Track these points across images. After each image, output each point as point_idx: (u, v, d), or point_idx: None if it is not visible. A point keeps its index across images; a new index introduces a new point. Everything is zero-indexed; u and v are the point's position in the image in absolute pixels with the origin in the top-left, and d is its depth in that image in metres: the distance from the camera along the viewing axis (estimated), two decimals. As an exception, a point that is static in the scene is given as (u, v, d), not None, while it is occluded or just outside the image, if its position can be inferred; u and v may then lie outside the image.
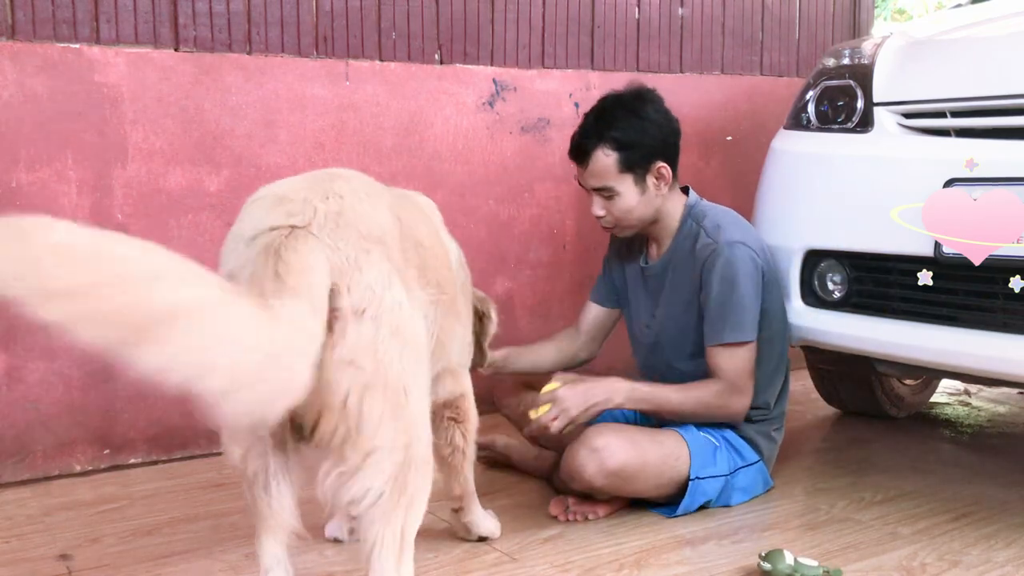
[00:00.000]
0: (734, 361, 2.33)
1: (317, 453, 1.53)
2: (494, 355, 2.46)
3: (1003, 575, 2.04)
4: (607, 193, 2.38)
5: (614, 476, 2.23)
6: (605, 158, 2.35)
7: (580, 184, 2.47)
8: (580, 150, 2.40)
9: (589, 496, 2.33)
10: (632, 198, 2.38)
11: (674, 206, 2.47)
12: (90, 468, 2.75)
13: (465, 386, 2.07)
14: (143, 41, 2.71)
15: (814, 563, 1.97)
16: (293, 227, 1.46)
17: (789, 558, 1.96)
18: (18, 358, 2.63)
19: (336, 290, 1.44)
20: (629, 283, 2.61)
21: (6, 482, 2.63)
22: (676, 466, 2.29)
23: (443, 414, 2.03)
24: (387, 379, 1.48)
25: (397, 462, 1.52)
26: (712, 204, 2.51)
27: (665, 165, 2.40)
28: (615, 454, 2.20)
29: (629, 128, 2.35)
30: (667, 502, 2.35)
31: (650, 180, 2.39)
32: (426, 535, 2.26)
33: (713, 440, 2.36)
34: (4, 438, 2.64)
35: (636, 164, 2.36)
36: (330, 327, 1.42)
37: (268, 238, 1.46)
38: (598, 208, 2.42)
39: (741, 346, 2.33)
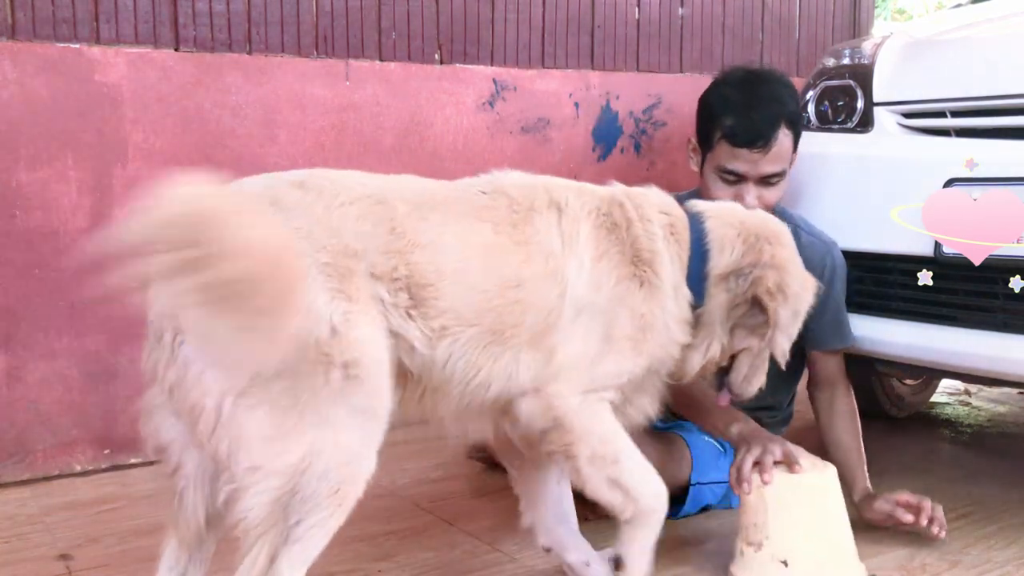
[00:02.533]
0: (842, 364, 2.34)
1: None
2: None
3: (1003, 575, 2.04)
4: (778, 178, 2.23)
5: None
6: (785, 139, 2.20)
7: (730, 173, 2.23)
8: (764, 134, 2.16)
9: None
10: (787, 182, 2.28)
11: None
12: (90, 468, 2.75)
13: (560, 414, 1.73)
14: (143, 41, 2.71)
15: None
16: None
17: None
18: (18, 358, 2.63)
19: None
20: None
21: (6, 482, 2.63)
22: (677, 470, 2.27)
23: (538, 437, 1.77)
24: (266, 392, 1.40)
25: (287, 489, 1.43)
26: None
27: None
28: None
29: (795, 102, 2.22)
30: (671, 507, 2.35)
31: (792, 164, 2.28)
32: (426, 535, 2.26)
33: (718, 446, 2.34)
34: (4, 438, 2.64)
35: (798, 140, 2.24)
36: None
37: None
38: (752, 199, 2.20)
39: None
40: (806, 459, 2.04)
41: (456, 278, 1.54)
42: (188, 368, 1.40)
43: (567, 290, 1.64)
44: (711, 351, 1.81)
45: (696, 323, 1.78)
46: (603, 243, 1.70)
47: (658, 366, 1.77)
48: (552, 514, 1.98)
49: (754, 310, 1.78)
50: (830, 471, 2.03)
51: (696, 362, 1.81)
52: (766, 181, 2.24)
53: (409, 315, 1.52)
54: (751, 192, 2.22)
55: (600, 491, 1.74)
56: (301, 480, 1.40)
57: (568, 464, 1.71)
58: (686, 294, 1.76)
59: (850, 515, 2.04)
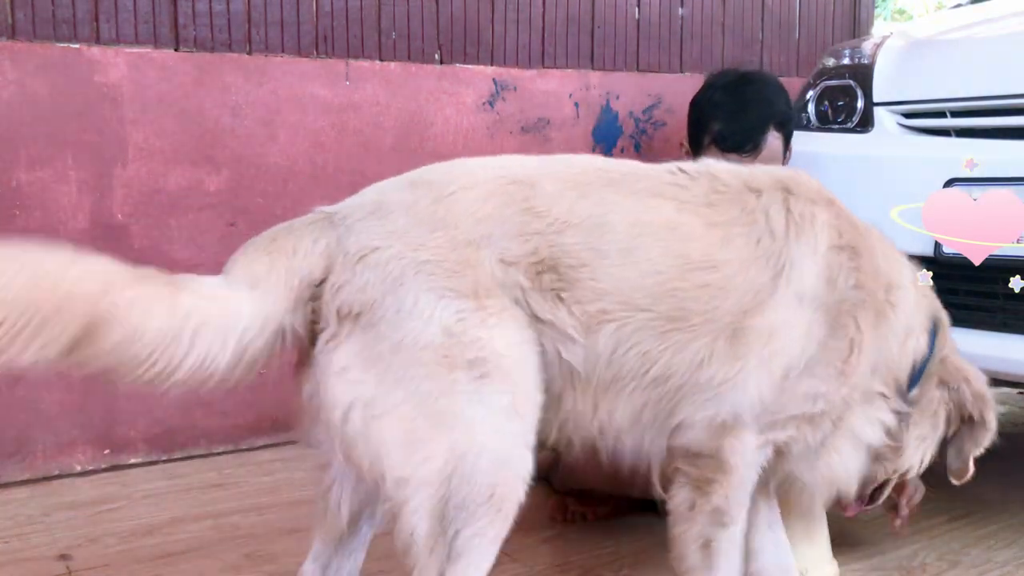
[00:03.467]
0: None
1: None
2: None
3: (1003, 575, 2.04)
4: None
5: (613, 476, 2.22)
6: (775, 141, 2.18)
7: None
8: (753, 139, 2.14)
9: (588, 496, 2.33)
10: None
11: None
12: (90, 468, 2.75)
13: (729, 446, 1.50)
14: (143, 41, 2.71)
15: None
16: (325, 214, 1.44)
17: None
18: (18, 358, 2.63)
19: (327, 285, 1.35)
20: None
21: (6, 482, 2.63)
22: None
23: (684, 472, 1.55)
24: (395, 398, 1.32)
25: (440, 498, 1.34)
26: None
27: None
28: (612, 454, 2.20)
29: (785, 104, 2.18)
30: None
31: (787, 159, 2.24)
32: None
33: None
34: (4, 438, 2.64)
35: (789, 140, 2.20)
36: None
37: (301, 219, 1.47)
38: None
39: None
40: None
41: (620, 258, 1.40)
42: (321, 378, 1.34)
43: (789, 273, 1.45)
44: (926, 448, 1.63)
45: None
46: (846, 234, 1.53)
47: (841, 417, 1.53)
48: (768, 540, 1.78)
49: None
50: None
51: (913, 457, 1.62)
52: None
53: (560, 298, 1.38)
54: None
55: (686, 545, 1.54)
56: (451, 486, 1.30)
57: (683, 497, 1.53)
58: (918, 348, 1.59)
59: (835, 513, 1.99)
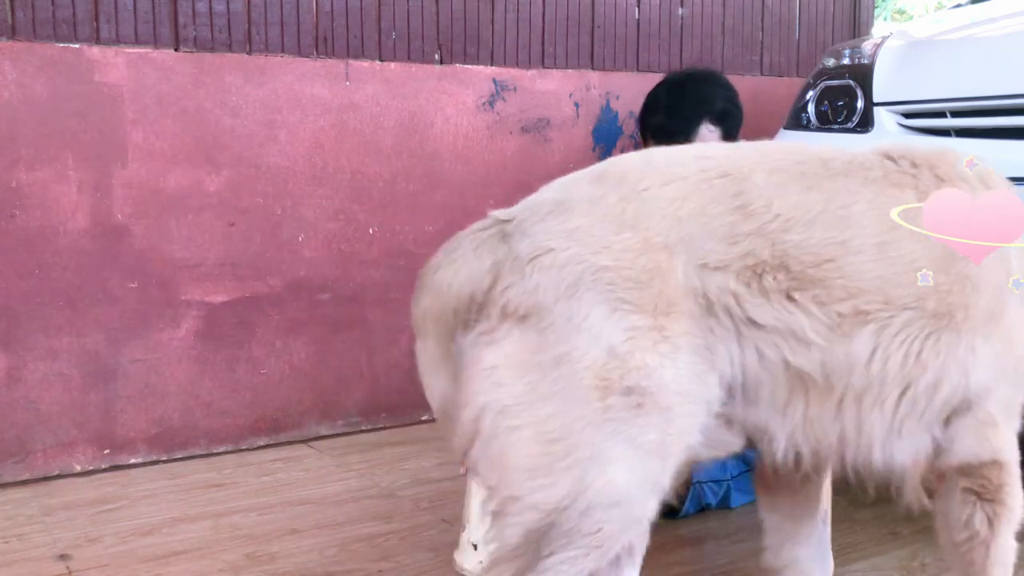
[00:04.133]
0: None
1: None
2: None
3: (1003, 575, 2.04)
4: None
5: None
6: (710, 134, 2.20)
7: None
8: (683, 131, 2.16)
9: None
10: None
11: None
12: (90, 468, 2.75)
13: (999, 451, 1.40)
14: (143, 41, 2.71)
15: None
16: (497, 221, 1.31)
17: None
18: (18, 358, 2.63)
19: (493, 290, 1.23)
20: None
21: (6, 482, 2.63)
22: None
23: (957, 481, 1.44)
24: (536, 415, 1.21)
25: (546, 526, 1.23)
26: None
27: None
28: None
29: (726, 99, 2.22)
30: (671, 509, 2.35)
31: None
32: (425, 534, 2.26)
33: None
34: (4, 438, 2.64)
35: (732, 140, 2.24)
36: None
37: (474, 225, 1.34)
38: None
39: None
40: None
41: (876, 253, 1.28)
42: (463, 371, 1.24)
43: (1010, 266, 1.37)
44: None
45: None
46: None
47: None
48: (815, 559, 1.70)
49: None
50: None
51: None
52: None
53: (791, 299, 1.24)
54: None
55: (985, 556, 1.40)
56: (561, 517, 1.20)
57: (973, 514, 1.40)
58: None
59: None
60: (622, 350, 1.18)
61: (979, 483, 1.40)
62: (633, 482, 1.20)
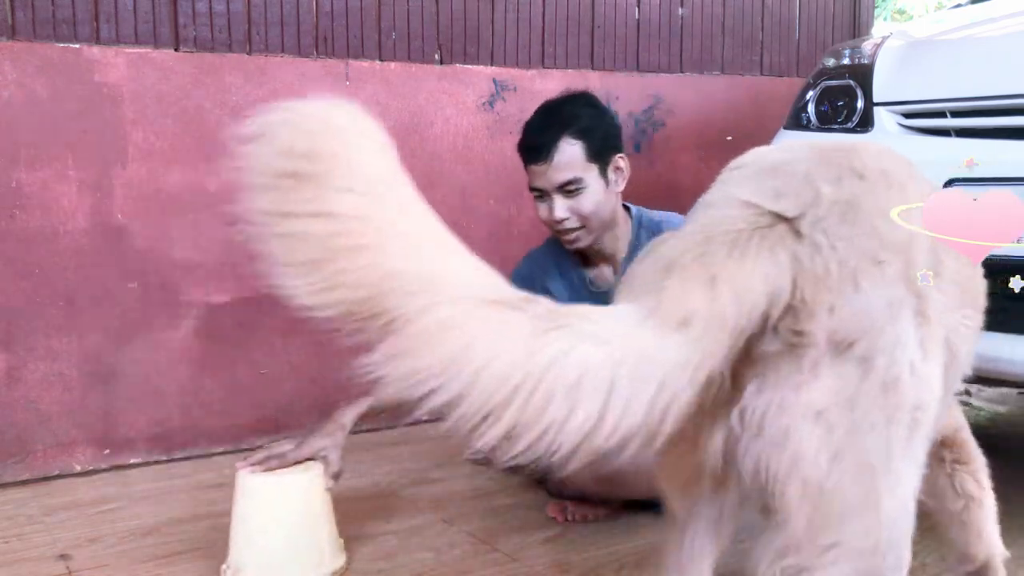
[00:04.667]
0: None
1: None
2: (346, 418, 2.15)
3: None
4: (574, 186, 2.28)
5: (607, 481, 2.22)
6: (570, 147, 2.27)
7: (535, 191, 2.34)
8: (540, 146, 2.28)
9: (584, 499, 2.33)
10: (599, 191, 2.30)
11: (623, 215, 2.44)
12: (90, 468, 2.75)
13: (959, 417, 1.59)
14: (143, 41, 2.71)
15: None
16: (774, 215, 1.09)
17: None
18: (18, 358, 2.63)
19: (806, 308, 1.05)
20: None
21: (6, 482, 2.63)
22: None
23: (942, 456, 1.57)
24: (861, 449, 1.06)
25: (860, 572, 1.10)
26: (658, 212, 2.48)
27: (624, 158, 2.37)
28: (608, 459, 2.19)
29: (588, 117, 2.31)
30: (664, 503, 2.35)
31: (611, 174, 2.34)
32: (425, 535, 2.26)
33: None
34: (4, 438, 2.64)
35: (600, 153, 2.30)
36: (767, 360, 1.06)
37: (721, 216, 1.11)
38: (561, 211, 2.27)
39: None
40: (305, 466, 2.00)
41: None
42: (781, 422, 1.06)
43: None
44: None
45: None
46: None
47: None
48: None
49: None
50: (268, 477, 1.98)
51: None
52: (565, 191, 2.29)
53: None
54: (556, 204, 2.28)
55: None
56: (872, 559, 1.09)
57: (960, 484, 1.56)
58: None
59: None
60: (918, 366, 1.09)
61: (955, 451, 1.53)
62: (913, 503, 1.13)
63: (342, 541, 2.08)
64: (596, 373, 0.93)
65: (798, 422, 1.05)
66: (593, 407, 0.94)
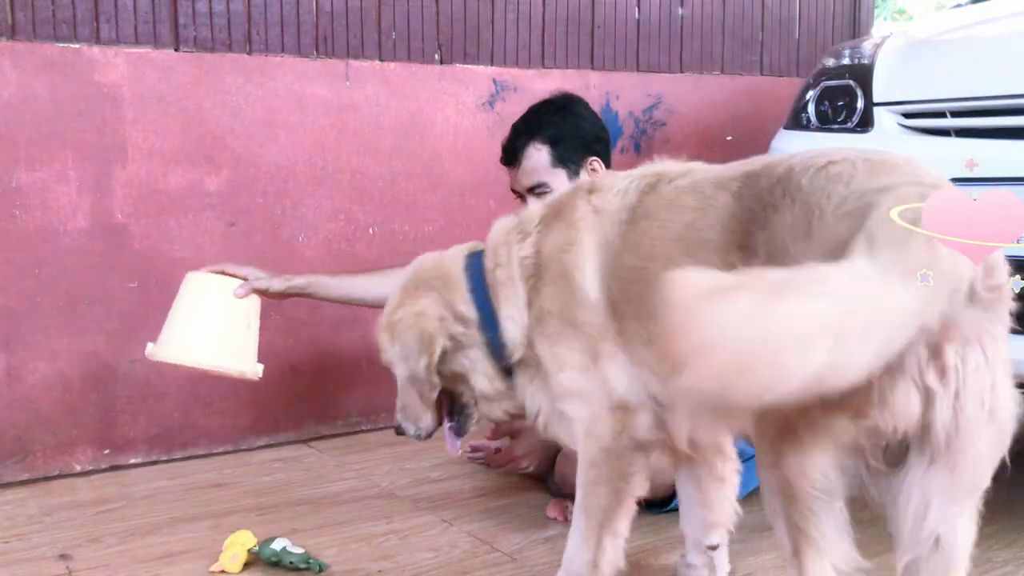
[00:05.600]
0: None
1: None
2: (295, 280, 2.41)
3: (1003, 575, 2.04)
4: (541, 190, 2.38)
5: None
6: (537, 153, 2.39)
7: (515, 193, 2.47)
8: (511, 151, 2.42)
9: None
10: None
11: None
12: (90, 468, 2.75)
13: None
14: (143, 41, 2.71)
15: (300, 551, 2.05)
16: None
17: (278, 545, 2.05)
18: (18, 358, 2.63)
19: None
20: None
21: (6, 482, 2.63)
22: (668, 469, 2.26)
23: None
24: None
25: None
26: None
27: (598, 160, 2.44)
28: None
29: (558, 123, 2.40)
30: (663, 503, 2.35)
31: (583, 176, 2.40)
32: (425, 535, 2.26)
33: None
34: (4, 438, 2.64)
35: (568, 158, 2.39)
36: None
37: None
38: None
39: None
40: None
41: None
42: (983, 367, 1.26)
43: None
44: None
45: None
46: None
47: None
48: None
49: None
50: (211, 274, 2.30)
51: None
52: (535, 193, 2.39)
53: None
54: (530, 205, 2.30)
55: None
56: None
57: None
58: None
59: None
60: None
61: None
62: None
63: (262, 366, 2.31)
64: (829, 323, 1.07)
65: (1001, 375, 1.25)
66: (827, 353, 1.06)
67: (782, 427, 1.34)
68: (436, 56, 3.16)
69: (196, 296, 2.26)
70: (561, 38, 3.40)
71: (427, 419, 1.89)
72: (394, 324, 1.84)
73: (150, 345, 2.23)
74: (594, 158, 2.43)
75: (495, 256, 1.83)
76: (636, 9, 3.56)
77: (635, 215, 1.65)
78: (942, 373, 1.23)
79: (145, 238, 2.75)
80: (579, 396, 1.71)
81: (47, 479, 2.68)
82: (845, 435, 1.30)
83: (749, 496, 2.43)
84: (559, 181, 2.37)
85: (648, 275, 1.57)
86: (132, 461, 2.81)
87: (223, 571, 2.03)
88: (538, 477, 2.58)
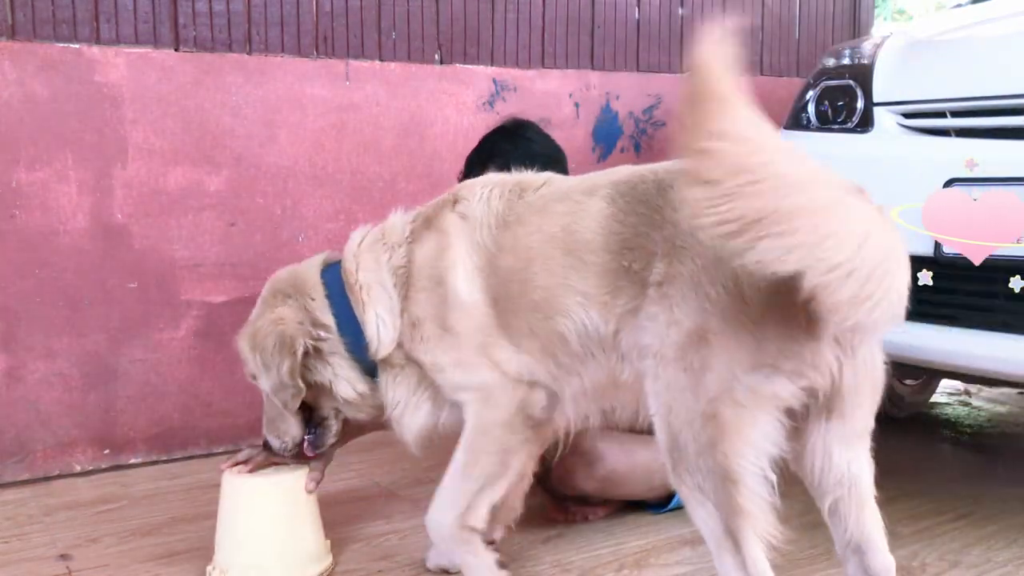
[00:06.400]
0: None
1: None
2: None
3: (1003, 575, 2.04)
4: None
5: (604, 480, 2.22)
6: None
7: None
8: (467, 177, 2.39)
9: (585, 499, 2.33)
10: None
11: None
12: (90, 468, 2.75)
13: None
14: (143, 41, 2.71)
15: None
16: None
17: None
18: (18, 358, 2.63)
19: None
20: None
21: (6, 482, 2.63)
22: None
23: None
24: None
25: None
26: None
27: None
28: (604, 459, 2.20)
29: (511, 149, 2.40)
30: (661, 503, 2.35)
31: None
32: (425, 535, 2.26)
33: None
34: (4, 438, 2.64)
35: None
36: None
37: None
38: None
39: None
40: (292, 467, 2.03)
41: None
42: None
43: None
44: None
45: None
46: None
47: None
48: None
49: None
50: (256, 479, 2.00)
51: None
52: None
53: None
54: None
55: None
56: None
57: None
58: None
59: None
60: None
61: None
62: None
63: (328, 543, 2.08)
64: None
65: (876, 345, 1.54)
66: None
67: (708, 416, 1.45)
68: (436, 56, 3.16)
69: (245, 508, 2.00)
70: (561, 38, 3.40)
71: (293, 430, 1.94)
72: (254, 333, 1.89)
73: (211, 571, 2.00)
74: None
75: (356, 262, 1.90)
76: (636, 9, 3.56)
77: (506, 221, 1.77)
78: (847, 344, 1.46)
79: (145, 238, 2.75)
80: (468, 388, 1.79)
81: (47, 479, 2.68)
82: (785, 396, 1.45)
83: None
84: None
85: (528, 274, 1.70)
86: (132, 461, 2.81)
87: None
88: (537, 479, 2.59)
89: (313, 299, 1.91)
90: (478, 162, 2.46)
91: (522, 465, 1.84)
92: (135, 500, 2.52)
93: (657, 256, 1.54)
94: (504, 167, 2.40)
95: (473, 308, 1.76)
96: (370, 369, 1.90)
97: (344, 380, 1.91)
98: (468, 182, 1.91)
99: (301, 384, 1.87)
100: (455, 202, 1.85)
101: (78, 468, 2.74)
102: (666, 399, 1.50)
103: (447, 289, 1.77)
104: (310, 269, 1.97)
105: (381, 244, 1.91)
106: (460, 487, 1.83)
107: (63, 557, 2.15)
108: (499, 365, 1.75)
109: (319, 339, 1.89)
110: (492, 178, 1.89)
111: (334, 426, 2.00)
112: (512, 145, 2.45)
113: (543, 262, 1.69)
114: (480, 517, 1.83)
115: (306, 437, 1.98)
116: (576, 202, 1.70)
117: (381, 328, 1.85)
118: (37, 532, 2.30)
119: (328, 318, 1.90)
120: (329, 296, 1.91)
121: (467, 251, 1.78)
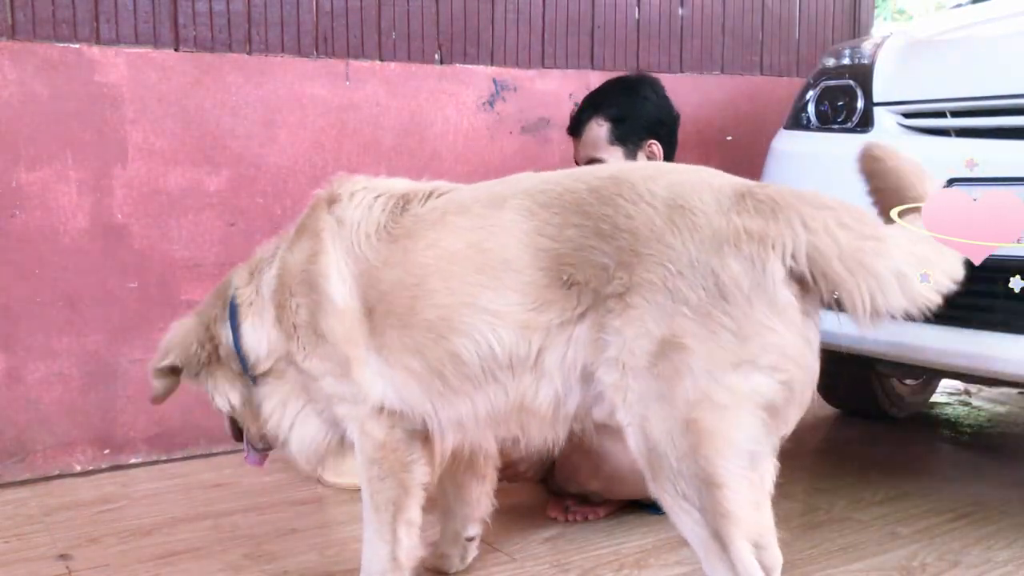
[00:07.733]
0: None
1: None
2: None
3: (1003, 575, 2.04)
4: (597, 164, 2.40)
5: (608, 479, 2.22)
6: (598, 128, 2.48)
7: (577, 164, 2.53)
8: (575, 122, 2.53)
9: (586, 498, 2.33)
10: None
11: None
12: (90, 468, 2.75)
13: None
14: (143, 41, 2.71)
15: None
16: None
17: None
18: (18, 358, 2.63)
19: None
20: None
21: (6, 482, 2.63)
22: None
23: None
24: None
25: None
26: None
27: (657, 144, 2.50)
28: (609, 457, 2.20)
29: (622, 102, 2.48)
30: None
31: (641, 157, 2.46)
32: (426, 534, 2.26)
33: None
34: (4, 438, 2.64)
35: (627, 137, 2.46)
36: None
37: None
38: None
39: None
40: None
41: None
42: None
43: None
44: None
45: None
46: None
47: None
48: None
49: None
50: None
51: None
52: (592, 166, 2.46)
53: None
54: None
55: None
56: None
57: None
58: None
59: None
60: None
61: None
62: None
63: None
64: None
65: None
66: None
67: (688, 422, 1.42)
68: (436, 56, 3.16)
69: None
70: (561, 38, 3.40)
71: (229, 429, 2.05)
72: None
73: None
74: (653, 141, 2.51)
75: (240, 276, 1.90)
76: (636, 9, 3.56)
77: (392, 234, 1.69)
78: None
79: (145, 238, 2.75)
80: (343, 399, 1.75)
81: (47, 479, 2.68)
82: (765, 392, 1.42)
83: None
84: (615, 158, 2.45)
85: (422, 291, 1.62)
86: (132, 461, 2.81)
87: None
88: (540, 478, 2.59)
89: (219, 310, 1.91)
90: (590, 105, 2.54)
91: (425, 476, 1.79)
92: (135, 500, 2.52)
93: (611, 267, 1.48)
94: (613, 118, 2.49)
95: (344, 317, 1.70)
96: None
97: (219, 392, 1.91)
98: (346, 179, 1.83)
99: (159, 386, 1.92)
100: (331, 203, 1.78)
101: (78, 468, 2.74)
102: (639, 410, 1.46)
103: (320, 294, 1.72)
104: (233, 275, 1.95)
105: (268, 253, 1.88)
106: (375, 522, 1.79)
107: (63, 557, 2.15)
108: (361, 387, 1.71)
109: (212, 351, 1.89)
110: (371, 181, 1.82)
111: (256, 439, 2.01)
112: (626, 98, 2.52)
113: (442, 280, 1.60)
114: (410, 549, 1.80)
115: (245, 443, 2.04)
116: (480, 216, 1.61)
117: (254, 342, 1.83)
118: (37, 532, 2.30)
119: (222, 331, 1.89)
120: (228, 308, 1.89)
121: (343, 257, 1.72)
